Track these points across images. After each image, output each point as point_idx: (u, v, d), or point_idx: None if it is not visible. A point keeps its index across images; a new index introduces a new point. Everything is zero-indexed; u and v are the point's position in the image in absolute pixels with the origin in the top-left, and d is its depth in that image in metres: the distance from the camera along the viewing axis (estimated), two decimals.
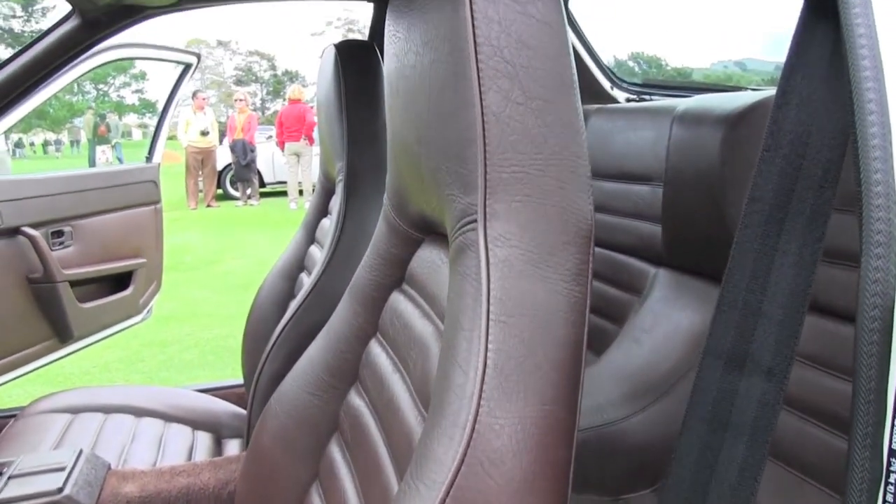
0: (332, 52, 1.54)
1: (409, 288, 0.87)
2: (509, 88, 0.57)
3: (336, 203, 1.55)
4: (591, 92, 2.21)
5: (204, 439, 1.60)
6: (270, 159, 11.41)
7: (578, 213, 0.59)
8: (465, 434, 0.52)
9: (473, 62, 0.57)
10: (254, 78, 38.10)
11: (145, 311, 2.73)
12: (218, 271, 5.67)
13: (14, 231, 2.08)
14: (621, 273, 1.74)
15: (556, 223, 0.58)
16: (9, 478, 1.08)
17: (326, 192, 1.81)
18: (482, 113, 0.57)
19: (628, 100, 2.23)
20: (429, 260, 0.81)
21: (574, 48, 2.14)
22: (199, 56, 2.75)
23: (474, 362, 0.55)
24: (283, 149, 9.90)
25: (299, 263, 1.86)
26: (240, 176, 10.68)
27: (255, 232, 7.71)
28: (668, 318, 1.49)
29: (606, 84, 2.25)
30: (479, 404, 0.53)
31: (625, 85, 2.27)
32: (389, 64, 0.79)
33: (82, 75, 2.23)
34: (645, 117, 1.71)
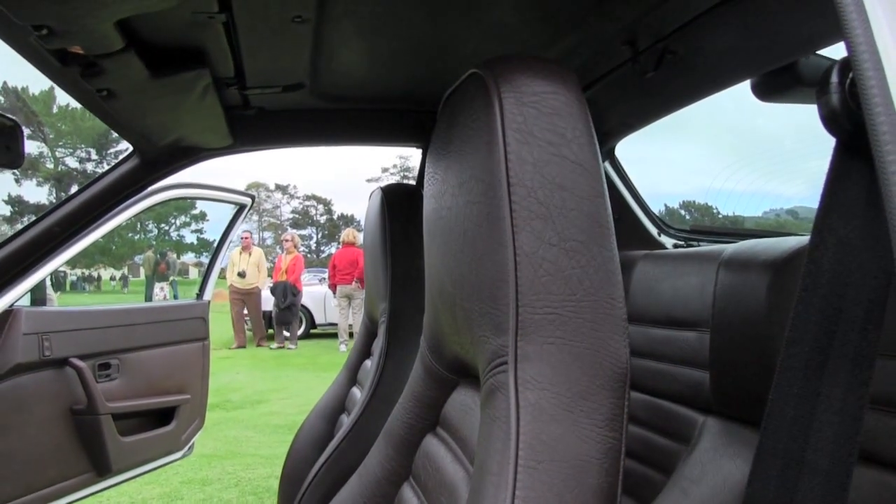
0: (378, 195, 1.59)
1: (443, 431, 0.84)
2: (542, 229, 0.57)
3: (378, 345, 1.54)
4: (639, 238, 2.21)
5: None
6: (322, 301, 11.55)
7: (613, 356, 0.57)
8: None
9: (507, 203, 0.58)
10: (310, 221, 39.63)
11: (186, 447, 2.70)
12: (263, 411, 5.63)
13: (62, 362, 2.12)
14: (669, 421, 1.67)
15: (590, 366, 0.57)
16: None
17: (370, 333, 1.81)
18: (515, 253, 0.57)
19: (675, 246, 2.22)
20: (462, 403, 0.79)
21: (620, 194, 2.17)
22: (253, 198, 2.88)
23: None
24: (334, 291, 10.02)
25: (340, 405, 1.84)
26: (279, 319, 10.45)
27: (303, 373, 7.71)
28: (717, 468, 1.41)
29: (654, 230, 2.25)
30: None
31: (672, 231, 2.28)
32: (427, 205, 0.80)
33: (142, 212, 2.33)
34: (691, 263, 1.69)
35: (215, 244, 3.12)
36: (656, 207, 2.30)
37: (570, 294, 0.57)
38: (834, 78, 0.53)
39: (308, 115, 1.79)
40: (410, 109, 1.84)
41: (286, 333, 10.56)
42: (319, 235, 40.33)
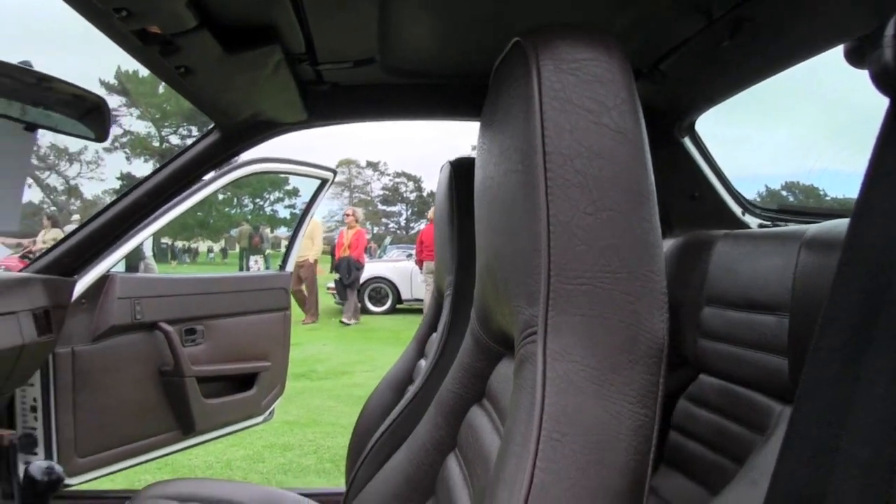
0: (447, 169, 1.59)
1: (487, 402, 0.84)
2: (578, 198, 0.56)
3: (443, 318, 1.55)
4: (720, 217, 2.14)
5: None
6: (409, 277, 11.68)
7: (649, 331, 0.55)
8: None
9: (542, 171, 0.57)
10: (400, 198, 40.12)
11: (267, 412, 2.80)
12: (346, 382, 5.77)
13: (152, 326, 2.24)
14: (743, 408, 1.61)
15: (623, 340, 0.55)
16: None
17: (438, 306, 1.83)
18: (548, 222, 0.56)
19: (761, 226, 2.13)
20: (505, 374, 0.79)
21: (701, 172, 2.10)
22: (335, 172, 2.93)
23: (520, 479, 0.51)
24: (421, 267, 10.12)
25: (408, 376, 1.86)
26: (341, 294, 10.50)
27: (388, 347, 7.84)
28: None
29: (737, 209, 2.17)
30: None
31: (758, 210, 2.18)
32: (477, 177, 0.80)
33: (232, 186, 2.42)
34: (772, 243, 1.62)
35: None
36: (755, 189, 2.20)
37: (604, 266, 0.55)
38: (890, 30, 0.49)
39: (379, 90, 1.80)
40: (475, 83, 1.84)
41: (351, 309, 10.46)
42: (409, 212, 40.76)
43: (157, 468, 2.12)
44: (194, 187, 2.22)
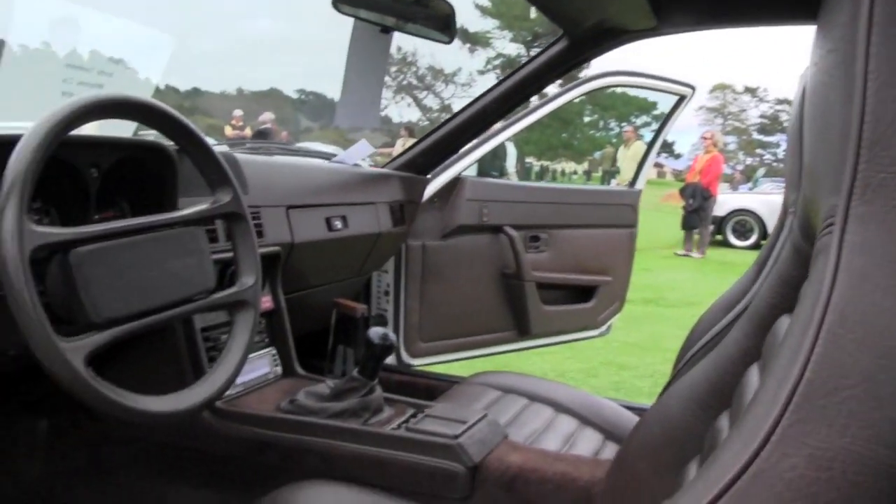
0: (799, 80, 1.38)
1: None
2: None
3: (782, 235, 1.38)
4: None
5: (613, 451, 1.57)
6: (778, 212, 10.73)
7: None
8: (755, 443, 0.44)
9: (863, 46, 0.49)
10: (779, 127, 36.42)
11: (604, 326, 2.79)
12: (695, 312, 5.55)
13: (497, 229, 2.35)
14: None
15: None
16: (426, 416, 1.32)
17: (782, 225, 1.63)
18: (864, 102, 0.48)
19: None
20: None
21: None
22: (693, 88, 2.72)
23: (791, 371, 0.45)
24: None
25: (740, 296, 1.71)
26: (686, 222, 9.54)
27: None
28: None
29: None
30: (780, 416, 0.44)
31: None
32: (808, 83, 0.72)
33: (577, 98, 2.40)
34: None
35: (664, 145, 3.06)
36: None
37: None
38: None
39: None
40: None
41: (697, 239, 9.63)
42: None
43: (491, 366, 2.25)
44: (544, 99, 2.25)
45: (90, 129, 1.10)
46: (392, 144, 12.25)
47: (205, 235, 1.14)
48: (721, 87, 36.40)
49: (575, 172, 27.12)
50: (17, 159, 0.87)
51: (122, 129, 1.31)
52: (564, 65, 1.88)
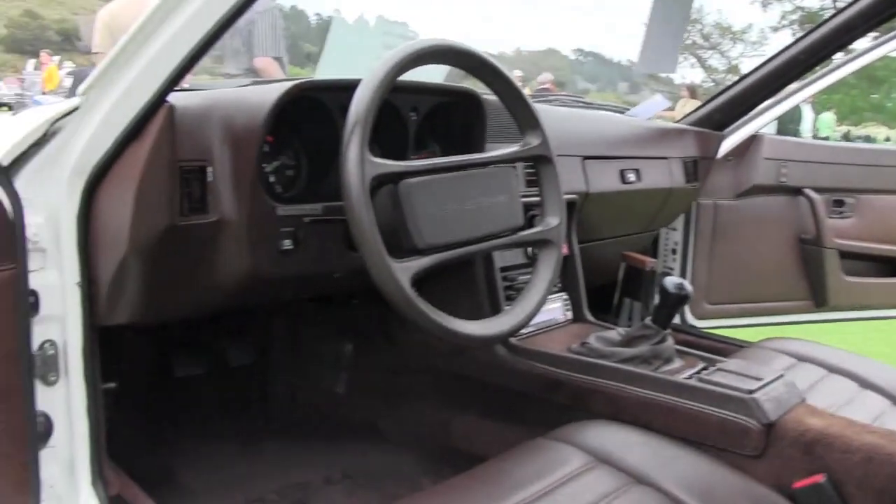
0: None
1: None
2: None
3: None
4: None
5: None
6: None
7: None
8: None
9: None
10: None
11: None
12: None
13: (796, 191, 2.20)
14: None
15: None
16: (718, 369, 1.27)
17: None
18: None
19: None
20: None
21: None
22: None
23: None
24: None
25: None
26: None
27: None
28: None
29: None
30: None
31: None
32: None
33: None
34: None
35: None
36: None
37: None
38: None
39: None
40: None
41: None
42: None
43: (781, 335, 2.10)
44: (851, 55, 2.05)
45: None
46: (672, 109, 11.68)
47: (516, 176, 1.22)
48: None
49: (888, 139, 23.81)
50: (360, 98, 0.98)
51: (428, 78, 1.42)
52: (885, 12, 1.68)
